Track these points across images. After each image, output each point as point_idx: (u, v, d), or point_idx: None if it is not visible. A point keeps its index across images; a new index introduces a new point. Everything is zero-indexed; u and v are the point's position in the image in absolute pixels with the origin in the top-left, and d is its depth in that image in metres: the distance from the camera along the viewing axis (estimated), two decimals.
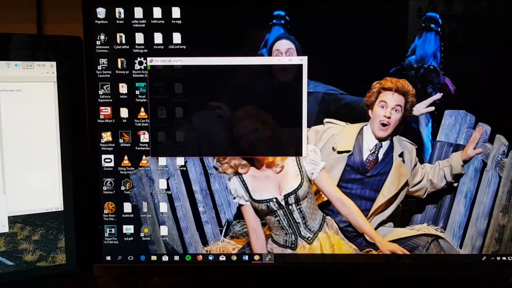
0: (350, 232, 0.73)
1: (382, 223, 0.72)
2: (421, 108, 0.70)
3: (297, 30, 0.68)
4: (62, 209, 0.71)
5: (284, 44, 0.69)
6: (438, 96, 0.70)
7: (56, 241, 0.71)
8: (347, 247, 0.73)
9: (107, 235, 0.73)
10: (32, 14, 0.88)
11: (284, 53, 0.69)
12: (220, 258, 0.74)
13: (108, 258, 0.73)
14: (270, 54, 0.69)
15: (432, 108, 0.70)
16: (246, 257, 0.74)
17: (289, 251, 0.73)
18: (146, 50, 0.69)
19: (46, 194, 0.70)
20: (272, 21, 0.68)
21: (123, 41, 0.69)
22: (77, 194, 0.72)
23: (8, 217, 0.68)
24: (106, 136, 0.71)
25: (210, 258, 0.74)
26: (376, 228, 0.72)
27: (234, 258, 0.74)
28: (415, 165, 0.71)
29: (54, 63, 0.70)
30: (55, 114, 0.70)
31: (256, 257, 0.74)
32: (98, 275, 0.73)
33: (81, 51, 0.70)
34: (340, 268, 0.73)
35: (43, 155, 0.70)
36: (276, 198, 0.72)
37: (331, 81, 0.69)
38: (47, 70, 0.70)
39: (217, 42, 0.69)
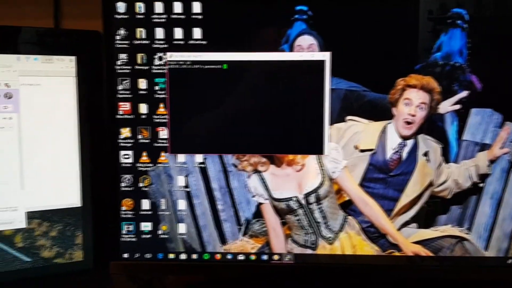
0: (372, 232, 0.71)
1: (406, 224, 0.71)
2: (447, 106, 0.68)
3: (320, 25, 0.67)
4: (80, 205, 0.70)
5: (306, 40, 0.68)
6: (464, 94, 0.68)
7: (74, 238, 0.71)
8: (369, 248, 0.71)
9: (125, 232, 0.72)
10: (49, 9, 0.88)
11: (306, 49, 0.68)
12: (239, 257, 0.73)
13: (126, 255, 0.72)
14: (291, 49, 0.68)
15: (458, 106, 0.68)
16: (265, 257, 0.73)
17: (309, 251, 0.72)
18: (166, 45, 0.68)
19: (65, 190, 0.70)
20: (294, 16, 0.67)
21: (143, 36, 0.69)
22: (95, 190, 0.71)
23: (26, 212, 0.68)
24: (125, 132, 0.70)
25: (229, 257, 0.73)
26: (399, 229, 0.71)
27: (253, 257, 0.73)
28: (440, 164, 0.70)
29: (73, 58, 0.69)
30: (74, 109, 0.69)
31: (276, 257, 0.72)
32: (115, 272, 0.73)
33: (100, 46, 0.70)
34: (361, 269, 0.72)
35: (62, 150, 0.69)
36: (296, 197, 0.71)
37: (354, 77, 0.68)
38: (67, 64, 0.69)
39: (237, 37, 0.68)
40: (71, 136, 0.69)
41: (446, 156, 0.69)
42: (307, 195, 0.71)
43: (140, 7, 0.68)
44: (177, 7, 0.68)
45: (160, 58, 0.69)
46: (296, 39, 0.68)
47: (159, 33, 0.68)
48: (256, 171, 0.71)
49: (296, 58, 0.68)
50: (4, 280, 0.67)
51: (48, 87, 0.68)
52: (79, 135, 0.69)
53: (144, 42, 0.69)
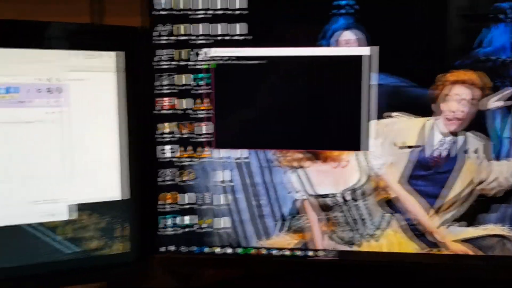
0: (413, 230, 0.71)
1: (448, 222, 0.70)
2: (492, 102, 0.67)
3: (365, 20, 0.66)
4: (124, 198, 0.71)
5: (350, 35, 0.67)
6: (510, 90, 0.66)
7: (117, 230, 0.71)
8: (409, 246, 0.70)
9: (166, 226, 0.73)
10: (86, 7, 0.89)
11: (350, 44, 0.67)
12: (278, 253, 0.73)
13: (168, 248, 0.73)
14: (335, 44, 0.67)
15: (503, 103, 0.67)
16: (303, 253, 0.72)
17: (348, 248, 0.72)
18: (207, 41, 0.69)
19: (109, 183, 0.71)
20: (338, 10, 0.67)
21: (184, 32, 0.69)
22: (140, 183, 0.72)
23: (70, 205, 0.69)
24: (168, 127, 0.71)
25: (269, 252, 0.73)
26: (441, 227, 0.70)
27: (291, 252, 0.73)
28: (486, 161, 0.68)
29: (114, 53, 0.70)
30: (117, 104, 0.70)
31: (314, 253, 0.72)
32: (155, 266, 0.74)
33: (141, 41, 0.70)
34: (401, 267, 0.71)
35: (107, 144, 0.70)
36: (337, 194, 0.71)
37: (397, 73, 0.67)
38: (108, 60, 0.70)
39: (280, 32, 0.68)
40: (115, 130, 0.70)
41: (491, 153, 0.68)
42: (347, 192, 0.70)
43: (180, 2, 0.69)
44: (219, 2, 0.68)
45: (202, 54, 0.69)
46: (340, 34, 0.67)
47: (200, 28, 0.69)
48: (297, 167, 0.71)
49: (341, 53, 0.67)
50: (47, 270, 0.69)
51: (93, 82, 0.69)
52: (124, 129, 0.70)
53: (185, 37, 0.69)
